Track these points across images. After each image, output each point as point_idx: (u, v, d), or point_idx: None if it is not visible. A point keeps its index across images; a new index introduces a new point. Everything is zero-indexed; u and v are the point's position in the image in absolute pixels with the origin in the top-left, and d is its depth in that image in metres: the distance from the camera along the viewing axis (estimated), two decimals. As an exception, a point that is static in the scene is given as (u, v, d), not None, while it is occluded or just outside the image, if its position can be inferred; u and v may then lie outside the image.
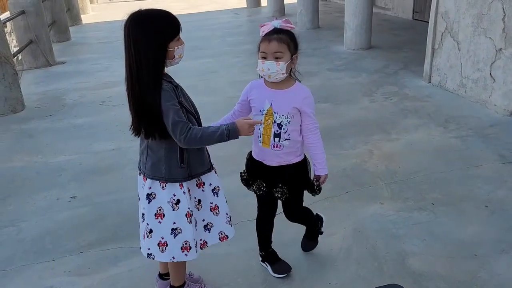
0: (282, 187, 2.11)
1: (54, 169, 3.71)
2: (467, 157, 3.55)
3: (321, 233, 2.49)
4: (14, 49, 7.03)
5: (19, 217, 3.05)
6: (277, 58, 1.91)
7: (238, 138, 1.83)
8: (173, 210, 1.90)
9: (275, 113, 1.98)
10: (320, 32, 9.13)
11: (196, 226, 2.01)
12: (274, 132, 2.00)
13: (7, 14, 8.60)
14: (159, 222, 1.93)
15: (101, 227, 2.86)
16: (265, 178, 2.15)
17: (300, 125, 2.06)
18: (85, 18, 12.74)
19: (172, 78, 1.86)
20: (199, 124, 1.94)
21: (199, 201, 2.01)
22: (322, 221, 2.48)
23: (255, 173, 2.18)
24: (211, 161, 2.03)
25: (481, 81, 4.62)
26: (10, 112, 5.08)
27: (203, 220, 2.04)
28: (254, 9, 13.25)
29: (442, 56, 5.18)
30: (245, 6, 13.75)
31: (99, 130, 4.54)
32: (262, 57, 1.94)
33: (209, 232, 2.07)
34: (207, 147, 1.98)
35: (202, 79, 6.18)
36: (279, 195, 2.12)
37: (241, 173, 2.27)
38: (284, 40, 1.92)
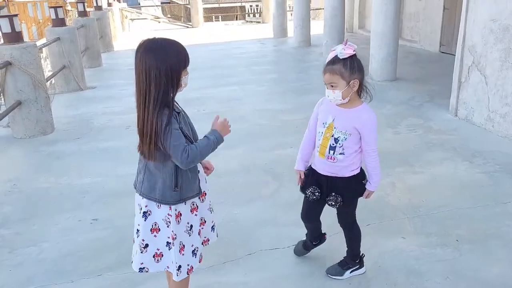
0: (336, 196, 2.28)
1: (78, 191, 3.79)
2: (494, 193, 3.45)
3: (351, 268, 2.52)
4: (48, 74, 7.31)
5: (41, 237, 3.10)
6: (332, 87, 2.11)
7: (223, 140, 2.04)
8: (167, 227, 2.01)
9: (335, 128, 2.20)
10: (345, 63, 9.17)
11: (183, 250, 2.05)
12: (330, 144, 2.22)
13: (43, 40, 9.00)
14: (155, 236, 2.03)
15: (121, 251, 2.88)
16: (319, 186, 2.33)
17: (359, 145, 2.23)
18: (116, 45, 13.17)
19: (176, 104, 1.94)
20: None
21: (191, 226, 2.06)
22: (362, 261, 2.55)
23: (310, 179, 2.36)
24: (201, 187, 2.10)
25: (509, 116, 4.53)
26: (40, 134, 5.24)
27: (192, 245, 2.08)
28: (281, 39, 13.45)
29: (468, 89, 5.12)
30: (272, 36, 13.98)
31: (123, 153, 4.62)
32: (325, 84, 2.16)
33: (195, 257, 2.11)
34: (199, 170, 2.10)
35: (227, 106, 6.26)
36: (333, 203, 2.30)
37: (305, 174, 2.42)
38: (335, 70, 2.08)
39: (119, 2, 26.00)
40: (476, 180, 3.68)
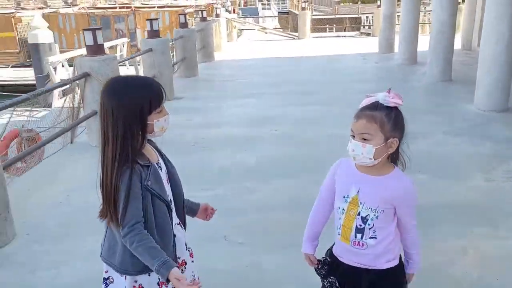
0: None
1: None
2: None
3: None
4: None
5: (64, 259, 3.05)
6: (364, 140, 1.61)
7: (159, 273, 1.56)
8: None
9: (361, 203, 1.67)
10: (450, 85, 8.17)
11: None
12: (357, 226, 1.68)
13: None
14: None
15: None
16: (342, 278, 1.78)
17: (395, 223, 1.71)
18: (219, 55, 13.48)
19: (146, 157, 1.65)
20: (169, 210, 1.71)
21: None
22: None
23: (329, 267, 1.83)
24: (177, 256, 1.76)
25: None
26: (112, 143, 5.38)
27: None
28: (386, 55, 12.59)
29: None
30: (377, 51, 13.18)
31: (179, 172, 4.50)
32: (351, 135, 1.67)
33: None
34: (176, 234, 1.77)
35: (298, 128, 5.85)
36: None
37: (318, 260, 1.89)
38: (376, 118, 1.60)
39: (234, 12, 27.07)
40: None
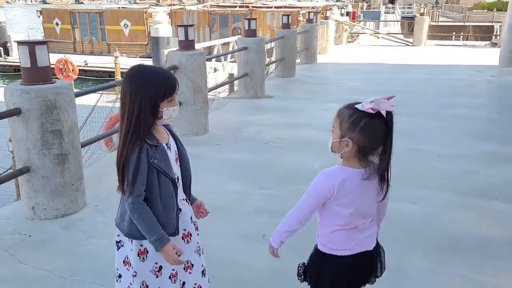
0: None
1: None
2: None
3: None
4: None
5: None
6: (332, 131, 1.78)
7: (152, 242, 1.82)
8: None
9: None
10: None
11: None
12: None
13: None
14: (127, 269, 1.92)
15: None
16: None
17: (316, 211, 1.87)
18: (322, 58, 13.40)
19: (155, 137, 1.81)
20: (175, 186, 1.87)
21: (160, 268, 1.89)
22: None
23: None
24: (180, 226, 1.93)
25: None
26: (192, 134, 5.72)
27: None
28: (507, 68, 11.39)
29: None
30: (497, 63, 11.98)
31: (243, 168, 4.65)
32: None
33: None
34: (182, 209, 1.95)
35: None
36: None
37: None
38: (341, 115, 1.74)
39: (354, 16, 26.56)
40: None
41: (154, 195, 1.81)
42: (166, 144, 1.87)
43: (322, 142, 5.38)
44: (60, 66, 16.37)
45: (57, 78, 14.83)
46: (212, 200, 3.83)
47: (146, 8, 26.03)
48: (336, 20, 16.51)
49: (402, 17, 40.74)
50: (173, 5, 34.85)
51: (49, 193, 3.50)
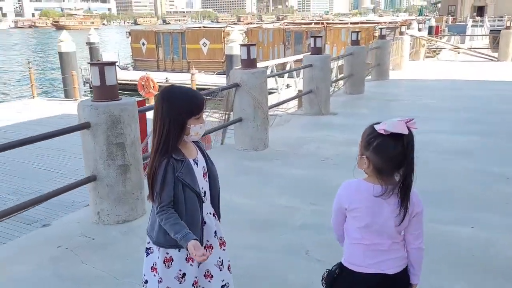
0: None
1: (231, 209, 4.12)
2: None
3: None
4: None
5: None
6: None
7: (179, 241, 1.92)
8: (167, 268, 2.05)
9: None
10: None
11: None
12: None
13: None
14: (154, 275, 2.09)
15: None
16: None
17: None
18: (396, 74, 13.05)
19: (182, 153, 1.97)
20: (200, 199, 2.00)
21: (184, 275, 2.03)
22: None
23: None
24: (203, 238, 2.06)
25: None
26: (252, 149, 5.90)
27: None
28: None
29: None
30: None
31: (296, 184, 4.71)
32: None
33: None
34: (207, 222, 2.09)
35: (437, 158, 5.39)
36: None
37: None
38: (363, 133, 1.81)
39: (438, 30, 25.53)
40: None
41: (180, 207, 1.96)
42: (194, 160, 2.02)
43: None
44: (142, 83, 17.56)
45: (139, 94, 15.92)
46: (261, 214, 4.00)
47: (224, 27, 27.12)
48: (412, 36, 16.03)
49: (491, 30, 38.30)
50: (251, 23, 35.90)
51: (112, 200, 3.83)
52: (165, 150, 1.92)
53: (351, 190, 1.81)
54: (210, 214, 2.12)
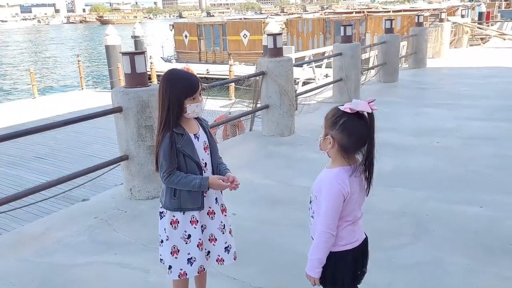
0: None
1: (250, 188, 4.41)
2: None
3: None
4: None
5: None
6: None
7: (207, 189, 2.22)
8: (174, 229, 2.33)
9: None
10: None
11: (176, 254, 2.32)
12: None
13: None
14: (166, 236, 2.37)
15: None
16: None
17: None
18: (435, 62, 12.83)
19: (182, 127, 2.25)
20: (199, 168, 2.26)
21: (189, 236, 2.30)
22: None
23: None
24: (204, 203, 2.31)
25: None
26: (278, 135, 6.15)
27: (188, 254, 2.31)
28: None
29: None
30: None
31: (312, 168, 4.90)
32: None
33: (190, 265, 2.33)
34: (208, 192, 2.32)
35: (463, 143, 5.43)
36: None
37: None
38: (326, 116, 1.90)
39: (488, 16, 24.51)
40: None
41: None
42: (195, 135, 2.29)
43: (399, 146, 5.48)
44: (183, 74, 18.07)
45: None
46: (278, 193, 4.27)
47: (264, 18, 27.31)
48: (454, 22, 15.61)
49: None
50: (292, 14, 35.73)
51: (142, 178, 4.21)
52: (167, 126, 2.20)
53: (345, 178, 1.84)
54: None
